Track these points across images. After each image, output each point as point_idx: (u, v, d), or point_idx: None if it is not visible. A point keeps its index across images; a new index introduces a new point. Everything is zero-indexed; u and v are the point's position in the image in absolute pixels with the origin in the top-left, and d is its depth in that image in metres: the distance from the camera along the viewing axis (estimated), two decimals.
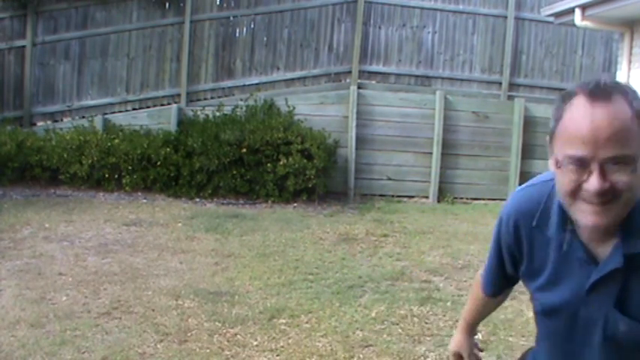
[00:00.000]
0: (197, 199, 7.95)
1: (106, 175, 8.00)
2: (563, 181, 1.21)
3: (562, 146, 1.21)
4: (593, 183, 1.16)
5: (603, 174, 1.16)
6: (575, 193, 1.20)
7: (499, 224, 1.46)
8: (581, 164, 1.17)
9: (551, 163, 1.27)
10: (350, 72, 9.12)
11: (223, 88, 8.98)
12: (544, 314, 1.41)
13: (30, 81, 8.67)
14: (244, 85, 8.96)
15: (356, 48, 9.06)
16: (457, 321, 4.13)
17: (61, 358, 3.40)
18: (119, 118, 8.66)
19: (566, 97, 1.22)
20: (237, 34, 9.07)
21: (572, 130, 1.18)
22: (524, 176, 8.35)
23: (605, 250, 1.26)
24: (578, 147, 1.16)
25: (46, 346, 3.52)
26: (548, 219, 1.33)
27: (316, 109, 8.72)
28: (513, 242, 1.42)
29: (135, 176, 7.97)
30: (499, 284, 1.61)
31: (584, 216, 1.20)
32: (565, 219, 1.29)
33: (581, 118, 1.17)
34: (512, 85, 9.48)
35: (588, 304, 1.30)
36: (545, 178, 1.39)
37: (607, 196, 1.17)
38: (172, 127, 8.42)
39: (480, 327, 3.97)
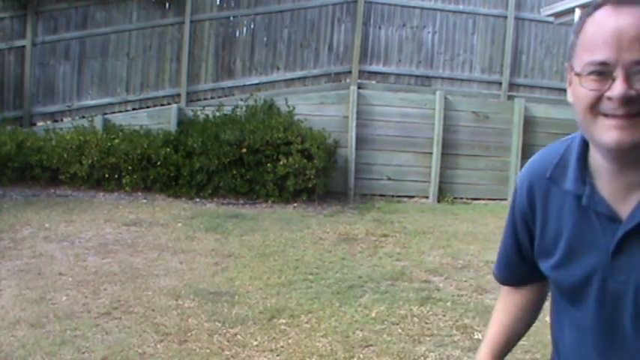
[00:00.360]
0: (197, 199, 7.95)
1: (106, 175, 7.99)
2: (582, 93, 1.08)
3: (582, 55, 1.09)
4: (617, 88, 1.04)
5: (629, 80, 1.04)
6: (596, 106, 1.07)
7: (514, 193, 1.34)
8: (604, 70, 1.06)
9: (569, 92, 1.15)
10: (350, 72, 9.11)
11: (223, 88, 8.98)
12: (565, 295, 1.24)
13: (30, 81, 8.67)
14: (244, 85, 8.95)
15: (356, 48, 9.06)
16: (457, 321, 4.15)
17: (61, 358, 3.41)
18: (119, 118, 8.65)
19: (589, 9, 1.11)
20: (237, 34, 9.06)
21: (594, 33, 1.07)
22: None
23: (627, 207, 1.13)
24: (599, 50, 1.06)
25: (46, 346, 3.52)
26: (566, 173, 1.21)
27: (316, 109, 8.72)
28: (527, 207, 1.28)
29: (135, 176, 7.97)
30: (515, 267, 1.39)
31: (606, 133, 1.06)
32: (584, 172, 1.18)
33: (604, 21, 1.07)
34: (512, 85, 9.47)
35: (615, 271, 1.14)
36: (563, 139, 1.28)
37: (633, 107, 1.04)
38: (172, 127, 8.42)
39: (478, 327, 3.99)
